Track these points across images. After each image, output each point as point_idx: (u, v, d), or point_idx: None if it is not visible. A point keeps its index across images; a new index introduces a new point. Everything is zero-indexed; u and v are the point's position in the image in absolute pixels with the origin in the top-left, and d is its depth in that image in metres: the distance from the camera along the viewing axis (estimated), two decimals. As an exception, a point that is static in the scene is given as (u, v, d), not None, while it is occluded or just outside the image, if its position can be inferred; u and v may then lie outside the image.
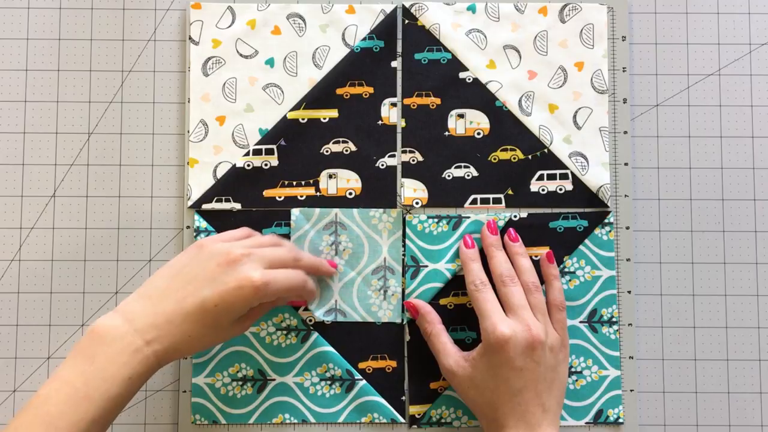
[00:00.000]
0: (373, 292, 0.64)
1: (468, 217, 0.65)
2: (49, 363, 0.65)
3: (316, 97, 0.66)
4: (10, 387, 0.65)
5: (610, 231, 0.65)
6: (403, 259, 0.65)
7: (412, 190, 0.66)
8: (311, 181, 0.66)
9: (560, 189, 0.66)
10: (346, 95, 0.66)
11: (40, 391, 0.51)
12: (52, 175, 0.66)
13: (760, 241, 0.66)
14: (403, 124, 0.66)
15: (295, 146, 0.66)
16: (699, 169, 0.67)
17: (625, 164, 0.66)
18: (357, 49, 0.66)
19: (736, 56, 0.67)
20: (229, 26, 0.66)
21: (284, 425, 0.64)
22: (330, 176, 0.66)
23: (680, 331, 0.66)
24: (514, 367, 0.56)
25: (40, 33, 0.67)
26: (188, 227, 0.65)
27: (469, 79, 0.66)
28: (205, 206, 0.65)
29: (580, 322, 0.65)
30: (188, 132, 0.66)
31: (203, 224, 0.65)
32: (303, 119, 0.66)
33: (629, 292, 0.65)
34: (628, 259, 0.65)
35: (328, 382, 0.64)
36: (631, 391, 0.64)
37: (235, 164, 0.65)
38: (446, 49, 0.66)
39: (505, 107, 0.66)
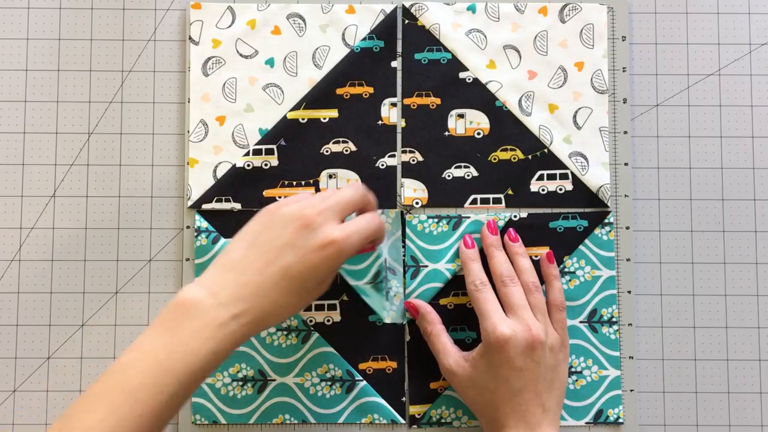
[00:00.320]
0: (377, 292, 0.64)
1: (468, 217, 0.65)
2: (49, 363, 0.65)
3: (316, 97, 0.66)
4: (10, 387, 0.65)
5: (610, 231, 0.65)
6: (404, 260, 0.65)
7: (412, 190, 0.66)
8: (311, 181, 0.66)
9: (560, 189, 0.66)
10: (346, 95, 0.66)
11: (121, 359, 0.49)
12: (52, 175, 0.66)
13: (760, 241, 0.66)
14: (403, 124, 0.66)
15: (295, 146, 0.66)
16: (699, 169, 0.67)
17: (625, 164, 0.66)
18: (357, 49, 0.66)
19: (736, 56, 0.67)
20: (229, 26, 0.66)
21: (284, 426, 0.64)
22: (330, 176, 0.66)
23: (680, 331, 0.66)
24: (514, 367, 0.56)
25: (40, 33, 0.67)
26: (188, 227, 0.65)
27: (469, 79, 0.66)
28: (205, 206, 0.65)
29: (580, 322, 0.65)
30: (188, 132, 0.66)
31: (204, 224, 0.65)
32: (303, 119, 0.66)
33: (629, 292, 0.65)
34: (628, 259, 0.65)
35: (329, 383, 0.64)
36: (631, 391, 0.64)
37: (235, 164, 0.65)
38: (446, 49, 0.66)
39: (505, 107, 0.66)
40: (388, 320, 0.64)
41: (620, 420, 0.64)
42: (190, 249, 0.65)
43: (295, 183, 0.66)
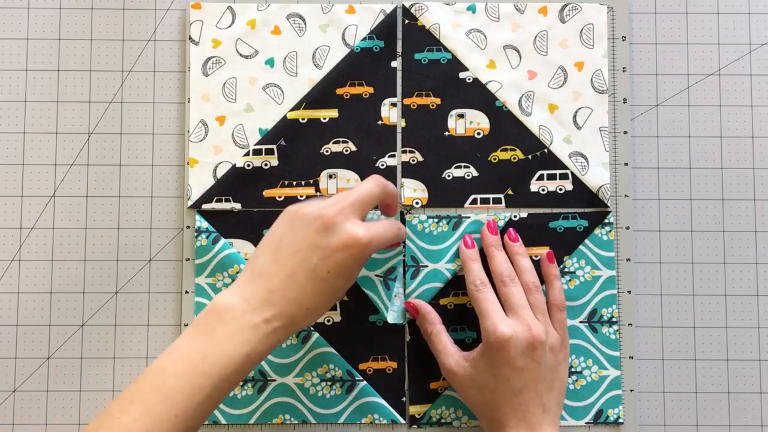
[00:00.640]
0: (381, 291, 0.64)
1: (468, 217, 0.65)
2: (49, 363, 0.65)
3: (316, 97, 0.66)
4: (10, 387, 0.65)
5: (610, 231, 0.65)
6: (404, 260, 0.65)
7: (412, 190, 0.66)
8: (311, 181, 0.66)
9: (560, 189, 0.66)
10: (346, 95, 0.66)
11: (157, 362, 0.50)
12: (52, 175, 0.66)
13: (760, 241, 0.66)
14: (403, 124, 0.66)
15: (295, 146, 0.66)
16: (699, 169, 0.67)
17: (625, 164, 0.66)
18: (357, 49, 0.66)
19: (736, 56, 0.67)
20: (229, 26, 0.66)
21: (284, 426, 0.64)
22: (330, 176, 0.66)
23: (680, 331, 0.66)
24: (515, 366, 0.56)
25: (40, 33, 0.67)
26: (188, 227, 0.65)
27: (469, 79, 0.66)
28: (205, 206, 0.65)
29: (580, 322, 0.65)
30: (188, 132, 0.66)
31: (204, 224, 0.65)
32: (303, 119, 0.66)
33: (629, 292, 0.65)
34: (628, 259, 0.65)
35: (329, 383, 0.64)
36: (631, 391, 0.64)
37: (235, 164, 0.65)
38: (446, 49, 0.66)
39: (505, 107, 0.66)
40: (389, 319, 0.63)
41: (620, 420, 0.64)
42: (190, 249, 0.65)
43: (295, 183, 0.66)
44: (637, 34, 0.67)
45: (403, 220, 0.65)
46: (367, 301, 0.64)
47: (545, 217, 0.65)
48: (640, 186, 0.66)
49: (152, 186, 0.66)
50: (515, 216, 0.65)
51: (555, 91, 0.66)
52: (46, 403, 0.64)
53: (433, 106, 0.66)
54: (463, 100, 0.66)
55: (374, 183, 0.57)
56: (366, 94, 0.66)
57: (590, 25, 0.67)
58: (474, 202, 0.66)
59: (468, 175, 0.66)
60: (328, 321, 0.65)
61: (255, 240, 0.65)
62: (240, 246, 0.65)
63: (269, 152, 0.66)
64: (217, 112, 0.66)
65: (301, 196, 0.65)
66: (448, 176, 0.66)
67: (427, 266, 0.64)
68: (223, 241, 0.64)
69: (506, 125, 0.66)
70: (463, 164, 0.66)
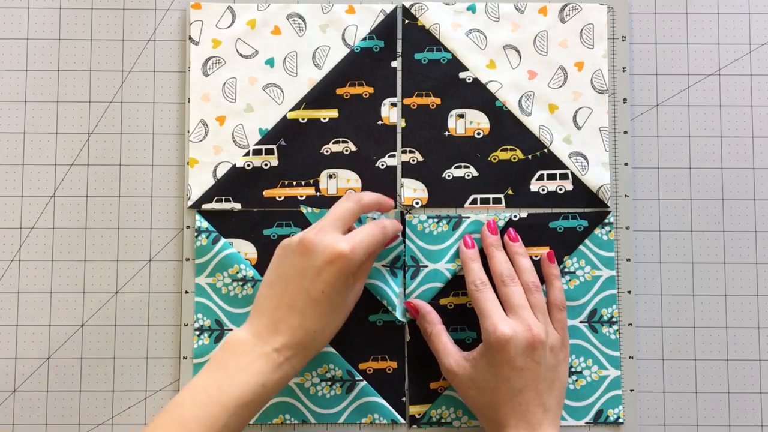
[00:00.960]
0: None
1: (468, 217, 0.65)
2: (49, 363, 0.65)
3: (316, 97, 0.66)
4: (10, 387, 0.65)
5: (610, 231, 0.65)
6: (404, 260, 0.65)
7: (412, 190, 0.66)
8: (311, 181, 0.66)
9: (560, 189, 0.66)
10: (346, 95, 0.66)
11: (176, 397, 0.53)
12: (52, 175, 0.66)
13: (760, 241, 0.66)
14: (403, 124, 0.66)
15: (295, 146, 0.66)
16: (699, 169, 0.67)
17: (625, 164, 0.66)
18: (357, 49, 0.66)
19: (736, 56, 0.67)
20: (229, 26, 0.66)
21: (284, 425, 0.64)
22: (330, 176, 0.66)
23: (680, 331, 0.66)
24: (515, 366, 0.56)
25: (40, 33, 0.67)
26: (188, 227, 0.65)
27: (469, 79, 0.66)
28: (205, 206, 0.65)
29: (580, 322, 0.65)
30: (188, 132, 0.66)
31: (204, 224, 0.65)
32: (303, 119, 0.66)
33: (629, 292, 0.65)
34: (628, 259, 0.65)
35: (329, 383, 0.64)
36: (631, 391, 0.64)
37: (235, 164, 0.65)
38: (446, 49, 0.66)
39: (505, 107, 0.66)
40: (398, 312, 0.63)
41: (620, 420, 0.64)
42: (190, 249, 0.65)
43: (295, 183, 0.66)
44: (637, 34, 0.67)
45: (403, 221, 0.65)
46: (367, 301, 0.64)
47: (545, 217, 0.65)
48: (640, 186, 0.66)
49: (152, 186, 0.66)
50: (515, 216, 0.65)
51: (555, 91, 0.66)
52: (46, 403, 0.64)
53: (433, 106, 0.66)
54: (463, 100, 0.66)
55: (349, 199, 0.59)
56: (366, 94, 0.66)
57: (590, 25, 0.67)
58: (474, 202, 0.66)
59: (468, 175, 0.66)
60: (328, 321, 0.65)
61: (255, 240, 0.65)
62: (240, 246, 0.65)
63: (269, 152, 0.66)
64: (217, 112, 0.66)
65: (301, 196, 0.65)
66: (448, 176, 0.66)
67: (427, 266, 0.64)
68: (223, 240, 0.65)
69: (506, 125, 0.66)
70: (463, 164, 0.66)
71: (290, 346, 0.54)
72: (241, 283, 0.64)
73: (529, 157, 0.66)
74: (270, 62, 0.66)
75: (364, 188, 0.65)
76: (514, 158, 0.66)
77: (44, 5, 0.67)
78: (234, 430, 0.53)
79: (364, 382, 0.64)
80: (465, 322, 0.64)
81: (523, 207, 0.66)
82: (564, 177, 0.66)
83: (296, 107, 0.66)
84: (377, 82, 0.66)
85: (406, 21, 0.67)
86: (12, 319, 0.65)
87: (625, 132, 0.66)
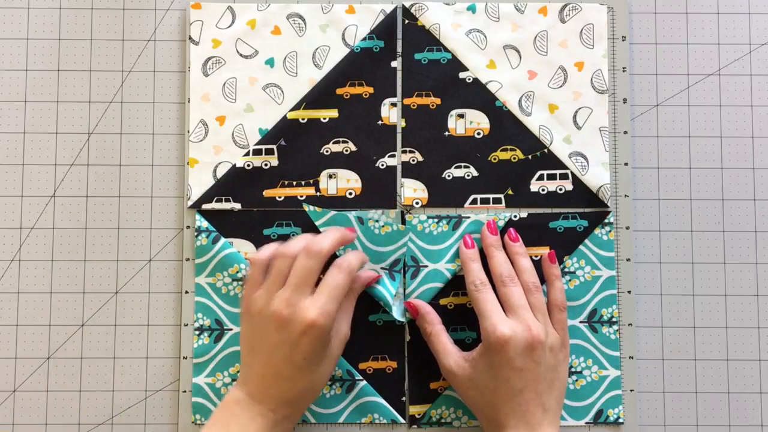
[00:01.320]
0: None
1: (468, 218, 0.65)
2: (49, 363, 0.65)
3: (316, 97, 0.66)
4: (10, 387, 0.65)
5: (610, 231, 0.65)
6: (404, 260, 0.65)
7: (412, 190, 0.66)
8: (311, 181, 0.66)
9: (560, 189, 0.66)
10: (346, 95, 0.66)
11: None
12: (52, 175, 0.66)
13: (760, 241, 0.66)
14: (403, 124, 0.66)
15: (295, 146, 0.66)
16: (699, 169, 0.67)
17: (625, 164, 0.66)
18: (357, 49, 0.66)
19: (736, 56, 0.67)
20: (229, 26, 0.66)
21: (284, 425, 0.64)
22: (330, 176, 0.66)
23: (680, 331, 0.66)
24: (514, 367, 0.56)
25: (40, 33, 0.67)
26: (188, 227, 0.65)
27: (469, 79, 0.66)
28: (205, 206, 0.65)
29: (580, 322, 0.65)
30: (188, 132, 0.66)
31: (204, 224, 0.65)
32: (303, 119, 0.66)
33: (629, 292, 0.65)
34: (628, 259, 0.65)
35: (329, 383, 0.64)
36: (631, 391, 0.64)
37: (235, 164, 0.65)
38: (446, 49, 0.66)
39: (505, 107, 0.66)
40: (394, 311, 0.63)
41: (620, 420, 0.64)
42: (190, 249, 0.65)
43: (295, 183, 0.66)
44: (637, 34, 0.67)
45: (403, 220, 0.65)
46: (367, 301, 0.64)
47: (545, 217, 0.65)
48: (640, 186, 0.66)
49: (152, 186, 0.66)
50: (515, 216, 0.65)
51: (555, 91, 0.66)
52: (46, 403, 0.64)
53: (433, 106, 0.66)
54: (463, 100, 0.66)
55: (310, 257, 0.57)
56: (366, 94, 0.66)
57: (590, 25, 0.67)
58: (474, 202, 0.66)
59: (468, 175, 0.66)
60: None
61: (255, 240, 0.65)
62: (240, 245, 0.65)
63: (269, 152, 0.66)
64: (217, 112, 0.66)
65: (301, 196, 0.65)
66: (448, 176, 0.66)
67: (427, 266, 0.64)
68: (223, 240, 0.65)
69: (506, 125, 0.66)
70: (463, 164, 0.66)
71: (284, 405, 0.56)
72: (241, 282, 0.64)
73: (529, 157, 0.66)
74: (270, 62, 0.66)
75: (364, 188, 0.65)
76: (514, 158, 0.66)
77: (44, 5, 0.67)
78: None
79: (364, 382, 0.64)
80: (465, 322, 0.64)
81: (523, 207, 0.66)
82: (564, 177, 0.66)
83: (296, 107, 0.66)
84: (377, 82, 0.66)
85: (406, 21, 0.67)
86: (12, 319, 0.65)
87: (625, 132, 0.66)
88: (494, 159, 0.66)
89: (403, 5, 0.67)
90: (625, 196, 0.66)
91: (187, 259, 0.65)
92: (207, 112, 0.66)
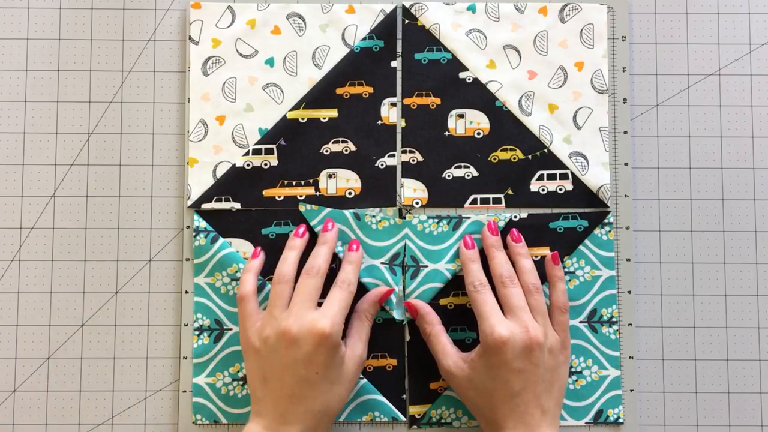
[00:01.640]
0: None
1: (468, 218, 0.65)
2: (48, 363, 0.65)
3: (315, 97, 0.66)
4: (10, 387, 0.65)
5: (609, 231, 0.65)
6: (403, 259, 0.65)
7: (412, 190, 0.66)
8: (311, 181, 0.66)
9: (560, 189, 0.66)
10: (346, 95, 0.66)
11: None
12: (52, 175, 0.66)
13: (760, 241, 0.66)
14: (403, 124, 0.66)
15: (295, 146, 0.66)
16: (699, 169, 0.67)
17: (625, 164, 0.66)
18: (357, 48, 0.66)
19: (736, 56, 0.67)
20: (229, 26, 0.66)
21: (284, 425, 0.64)
22: (330, 176, 0.66)
23: (680, 331, 0.66)
24: (512, 368, 0.56)
25: (40, 33, 0.67)
26: (188, 227, 0.65)
27: (469, 79, 0.66)
28: (204, 206, 0.65)
29: (580, 322, 0.65)
30: (188, 132, 0.66)
31: (202, 224, 0.65)
32: (303, 119, 0.66)
33: (629, 292, 0.65)
34: (628, 259, 0.65)
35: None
36: (631, 391, 0.64)
37: (234, 164, 0.65)
38: (446, 49, 0.66)
39: (505, 107, 0.66)
40: (394, 312, 0.63)
41: (620, 420, 0.64)
42: (190, 249, 0.65)
43: (294, 183, 0.66)
44: (637, 34, 0.67)
45: (402, 218, 0.65)
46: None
47: (545, 218, 0.65)
48: (640, 186, 0.66)
49: (152, 186, 0.66)
50: (515, 216, 0.65)
51: (555, 91, 0.66)
52: (46, 403, 0.65)
53: (433, 106, 0.66)
54: (463, 100, 0.66)
55: (310, 275, 0.59)
56: (366, 94, 0.66)
57: (590, 25, 0.67)
58: (474, 202, 0.65)
59: (468, 175, 0.66)
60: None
61: (254, 239, 0.65)
62: (239, 245, 0.65)
63: (269, 152, 0.66)
64: (216, 111, 0.66)
65: (301, 196, 0.65)
66: (448, 176, 0.66)
67: (427, 266, 0.64)
68: (221, 240, 0.65)
69: (506, 125, 0.66)
70: (463, 164, 0.66)
71: (308, 430, 0.56)
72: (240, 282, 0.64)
73: (529, 157, 0.66)
74: (270, 62, 0.66)
75: (363, 188, 0.65)
76: (514, 158, 0.66)
77: (44, 5, 0.67)
78: None
79: (365, 380, 0.64)
80: (465, 323, 0.64)
81: (523, 207, 0.66)
82: (564, 177, 0.66)
83: (296, 107, 0.66)
84: (377, 81, 0.66)
85: (406, 21, 0.67)
86: (12, 319, 0.65)
87: (625, 132, 0.66)
88: (494, 159, 0.66)
89: (403, 5, 0.67)
90: (625, 196, 0.66)
91: (187, 259, 0.65)
92: (207, 111, 0.66)
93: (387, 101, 0.66)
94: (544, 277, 0.63)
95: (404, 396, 0.64)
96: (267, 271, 0.64)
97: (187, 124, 0.66)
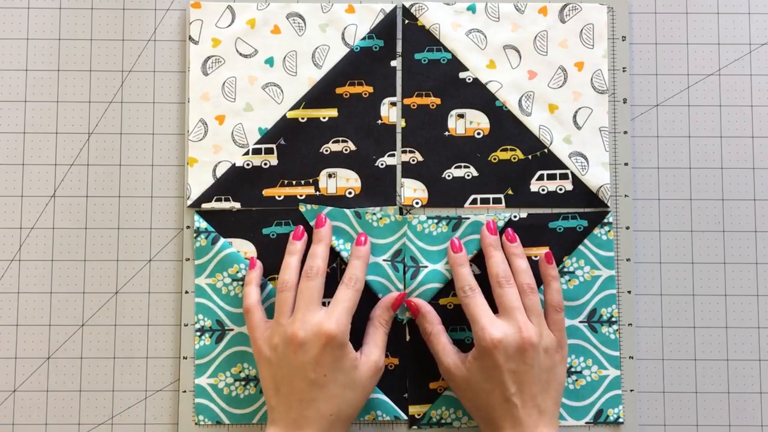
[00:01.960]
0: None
1: (468, 218, 0.65)
2: (48, 363, 0.65)
3: (315, 97, 0.66)
4: (10, 387, 0.65)
5: (609, 231, 0.65)
6: (403, 259, 0.65)
7: (412, 190, 0.66)
8: (311, 181, 0.66)
9: (560, 189, 0.66)
10: (346, 95, 0.66)
11: None
12: (52, 175, 0.66)
13: (760, 241, 0.66)
14: (403, 124, 0.66)
15: (295, 145, 0.66)
16: (699, 169, 0.67)
17: (625, 164, 0.66)
18: (357, 48, 0.66)
19: (736, 56, 0.67)
20: (229, 25, 0.66)
21: (284, 425, 0.64)
22: (329, 175, 0.66)
23: (680, 331, 0.66)
24: (507, 370, 0.56)
25: (40, 33, 0.67)
26: (188, 227, 0.65)
27: (469, 79, 0.66)
28: (204, 206, 0.65)
29: (580, 322, 0.65)
30: (188, 131, 0.66)
31: (203, 224, 0.65)
32: (302, 118, 0.66)
33: (629, 292, 0.65)
34: (628, 259, 0.65)
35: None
36: (631, 391, 0.64)
37: (234, 163, 0.65)
38: (446, 49, 0.66)
39: (505, 107, 0.66)
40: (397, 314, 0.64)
41: (620, 420, 0.64)
42: (190, 249, 0.65)
43: (294, 182, 0.66)
44: (637, 34, 0.67)
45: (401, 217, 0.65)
46: (369, 297, 0.64)
47: (545, 218, 0.65)
48: (640, 186, 0.66)
49: (152, 186, 0.66)
50: (515, 216, 0.65)
51: (555, 91, 0.66)
52: (46, 403, 0.65)
53: (433, 106, 0.66)
54: (463, 100, 0.66)
55: (310, 278, 0.59)
56: (366, 94, 0.66)
57: (590, 25, 0.67)
58: (474, 202, 0.66)
59: (468, 175, 0.66)
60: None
61: (254, 239, 0.65)
62: (239, 245, 0.65)
63: (269, 151, 0.66)
64: (216, 111, 0.66)
65: (301, 196, 0.65)
66: (448, 176, 0.66)
67: (426, 266, 0.64)
68: (222, 240, 0.65)
69: (506, 125, 0.66)
70: (463, 164, 0.66)
71: None
72: (241, 282, 0.64)
73: (529, 157, 0.66)
74: (270, 61, 0.66)
75: (363, 187, 0.65)
76: (514, 158, 0.66)
77: (44, 5, 0.67)
78: None
79: (364, 382, 0.64)
80: (464, 323, 0.64)
81: (523, 207, 0.66)
82: (564, 177, 0.66)
83: (296, 106, 0.66)
84: (377, 81, 0.66)
85: (406, 21, 0.67)
86: (12, 319, 0.65)
87: (625, 132, 0.66)
88: (494, 159, 0.66)
89: (403, 5, 0.67)
90: (625, 196, 0.66)
91: (187, 259, 0.65)
92: (206, 111, 0.66)
93: (387, 101, 0.66)
94: (539, 278, 0.63)
95: (406, 395, 0.64)
96: (269, 271, 0.64)
97: (186, 124, 0.66)
